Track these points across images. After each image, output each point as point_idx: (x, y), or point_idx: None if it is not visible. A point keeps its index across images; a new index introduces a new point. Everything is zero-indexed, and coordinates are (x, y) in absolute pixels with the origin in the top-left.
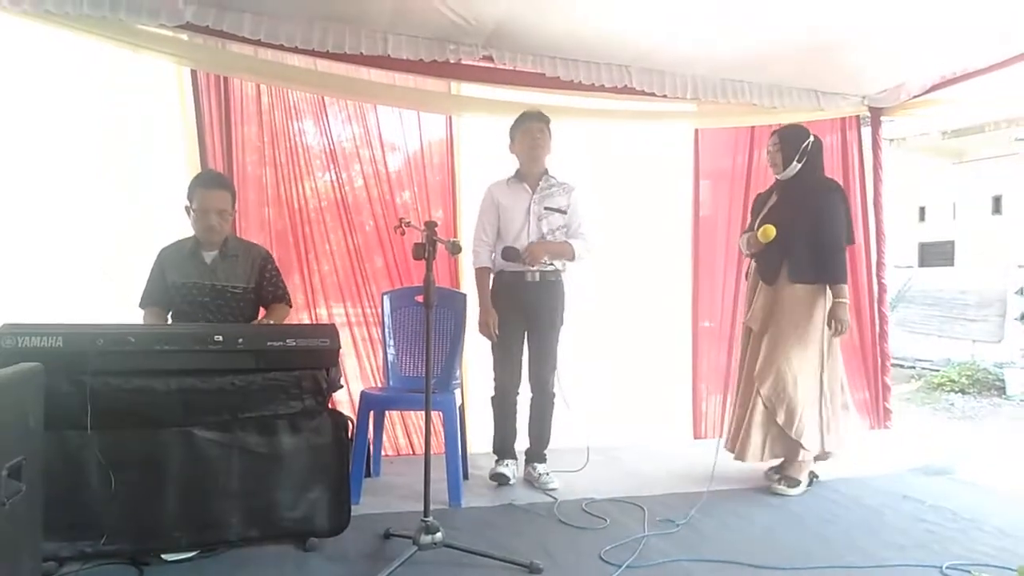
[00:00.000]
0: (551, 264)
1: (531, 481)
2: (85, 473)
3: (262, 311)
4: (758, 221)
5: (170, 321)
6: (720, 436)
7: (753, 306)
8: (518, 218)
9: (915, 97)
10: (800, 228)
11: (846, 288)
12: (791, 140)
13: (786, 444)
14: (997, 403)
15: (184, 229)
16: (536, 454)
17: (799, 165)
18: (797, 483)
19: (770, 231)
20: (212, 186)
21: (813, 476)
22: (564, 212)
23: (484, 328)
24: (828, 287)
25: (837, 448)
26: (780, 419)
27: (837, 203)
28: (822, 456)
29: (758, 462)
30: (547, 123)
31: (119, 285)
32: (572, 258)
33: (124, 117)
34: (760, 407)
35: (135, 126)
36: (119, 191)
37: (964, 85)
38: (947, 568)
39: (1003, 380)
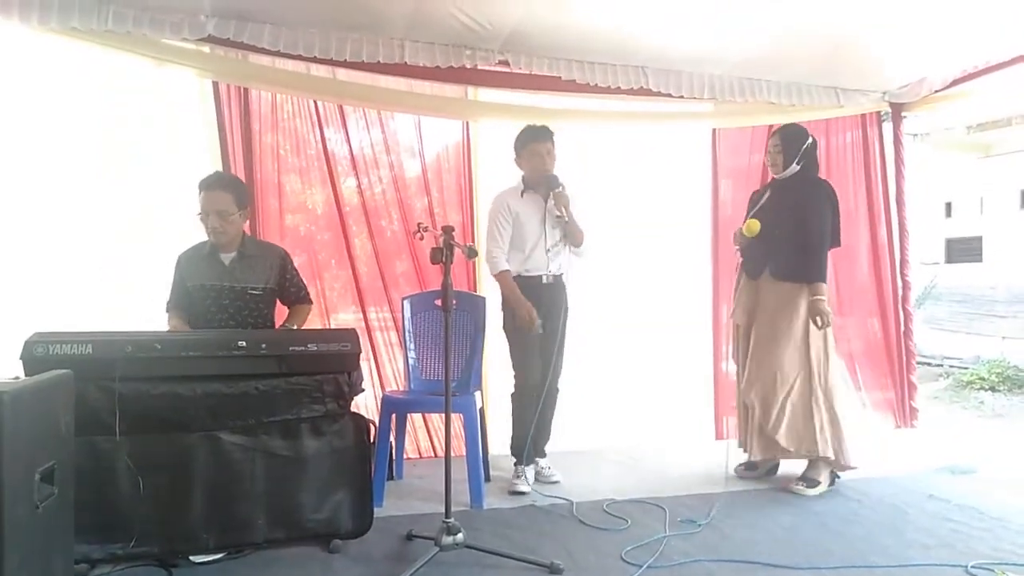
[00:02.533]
0: (560, 269)
1: (536, 475)
2: (115, 477)
3: (279, 309)
4: (748, 217)
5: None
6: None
7: (740, 303)
8: (534, 227)
9: (937, 92)
10: (785, 226)
11: (824, 286)
12: (792, 141)
13: (755, 437)
14: None
15: (184, 229)
16: (540, 450)
17: (798, 167)
18: (816, 483)
19: (754, 225)
20: (211, 187)
21: (835, 476)
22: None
23: (528, 322)
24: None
25: (832, 453)
26: (760, 418)
27: (823, 203)
28: (828, 461)
29: (759, 458)
30: (552, 138)
31: (117, 285)
32: (580, 244)
33: (124, 117)
34: (750, 406)
35: (135, 126)
36: (118, 191)
37: (987, 78)
38: (972, 567)
39: None
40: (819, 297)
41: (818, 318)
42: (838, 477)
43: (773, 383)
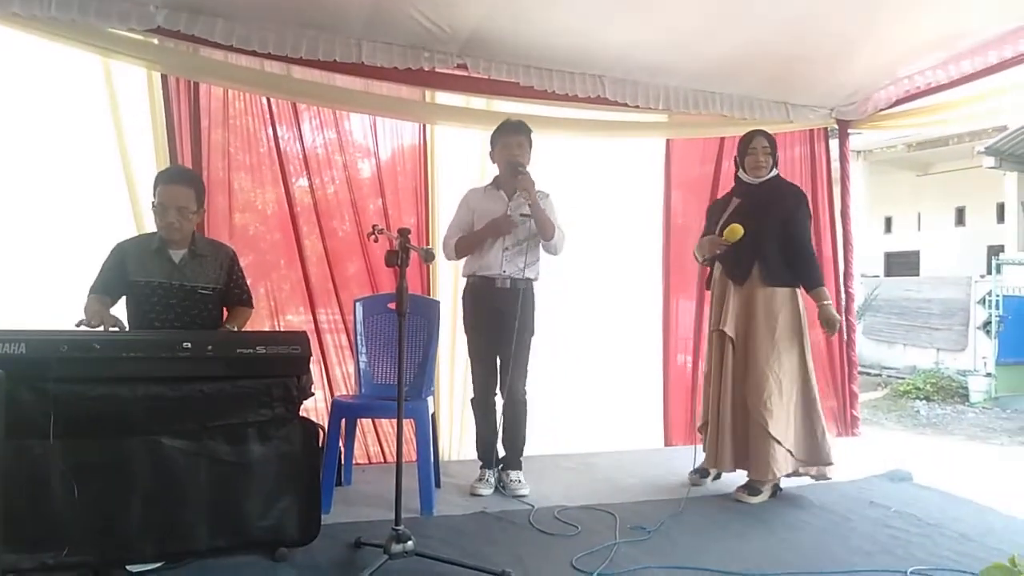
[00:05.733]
0: (523, 272)
1: (503, 486)
2: (47, 483)
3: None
4: (722, 223)
5: (125, 318)
6: (694, 444)
7: (726, 311)
8: None
9: (882, 110)
10: (772, 230)
11: (827, 290)
12: (773, 144)
13: (766, 458)
14: (961, 410)
15: (127, 224)
16: (511, 461)
17: (775, 171)
18: (759, 492)
19: (737, 230)
20: (173, 181)
21: (776, 488)
22: None
23: (505, 224)
24: (798, 290)
25: (830, 457)
26: (771, 429)
27: (806, 211)
28: (818, 470)
29: (748, 474)
30: (527, 135)
31: (55, 281)
32: (551, 236)
33: (67, 109)
34: (751, 419)
35: (79, 118)
36: (60, 185)
37: (930, 99)
38: (911, 573)
39: (966, 387)
40: (827, 302)
41: (828, 323)
42: (780, 490)
43: (779, 394)
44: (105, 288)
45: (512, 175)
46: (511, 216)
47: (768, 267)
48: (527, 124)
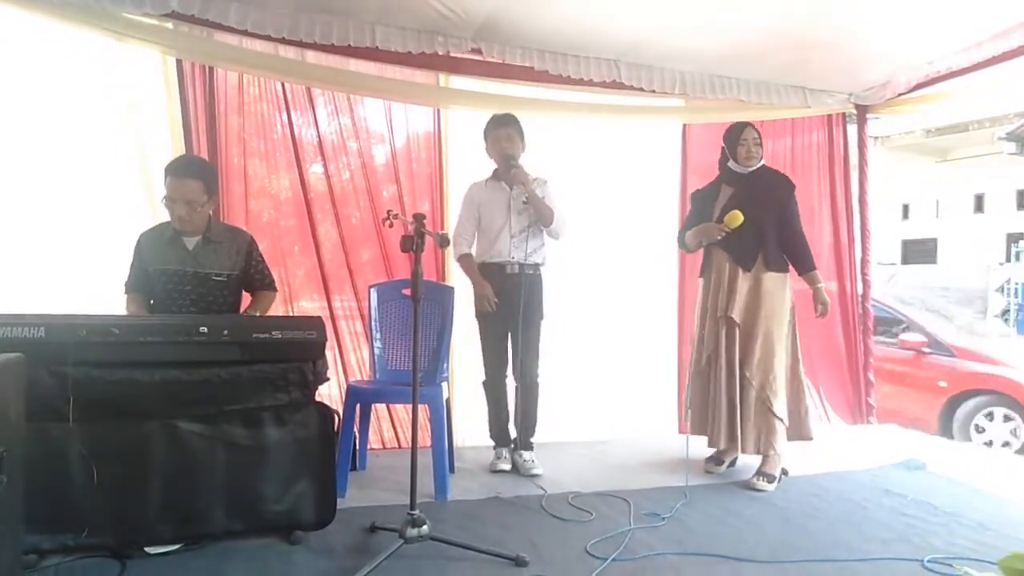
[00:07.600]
0: (530, 257)
1: (516, 467)
2: (67, 465)
3: (245, 295)
4: (720, 211)
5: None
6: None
7: (735, 298)
8: (499, 214)
9: (901, 95)
10: (770, 218)
11: (818, 273)
12: (760, 136)
13: (775, 436)
14: None
15: (143, 210)
16: (524, 442)
17: (763, 160)
18: (774, 478)
19: (738, 216)
20: (180, 175)
21: (784, 472)
22: None
23: (483, 302)
24: (788, 275)
25: (811, 433)
26: (775, 409)
27: (795, 198)
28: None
29: (756, 454)
30: (514, 125)
31: (73, 266)
32: (550, 222)
33: (83, 94)
34: (755, 399)
35: (94, 103)
36: (77, 171)
37: (950, 83)
38: (928, 562)
39: None
40: (822, 285)
41: (823, 306)
42: (786, 474)
43: (782, 375)
44: (137, 285)
45: (507, 169)
46: (515, 202)
47: (769, 253)
48: (514, 116)
